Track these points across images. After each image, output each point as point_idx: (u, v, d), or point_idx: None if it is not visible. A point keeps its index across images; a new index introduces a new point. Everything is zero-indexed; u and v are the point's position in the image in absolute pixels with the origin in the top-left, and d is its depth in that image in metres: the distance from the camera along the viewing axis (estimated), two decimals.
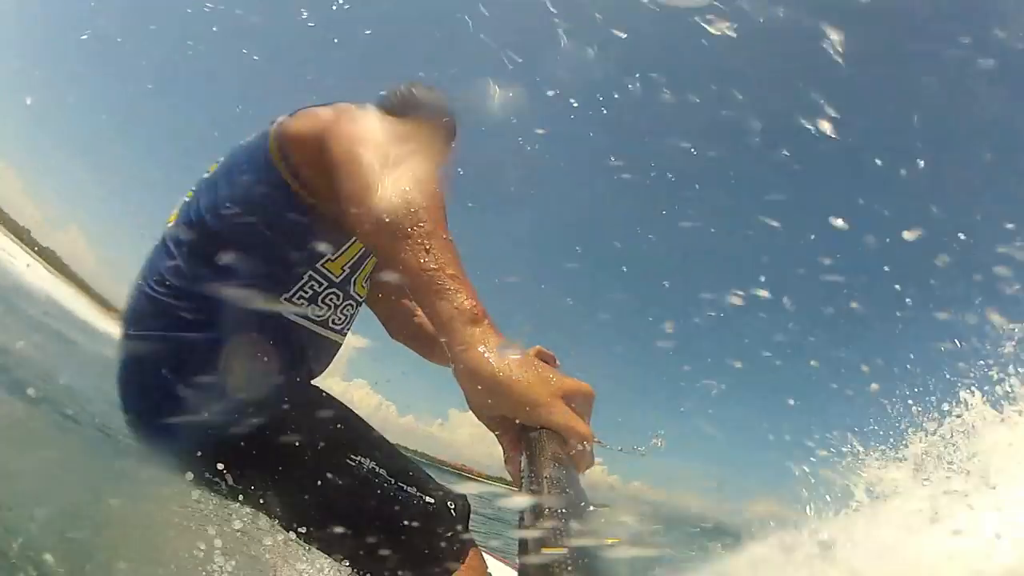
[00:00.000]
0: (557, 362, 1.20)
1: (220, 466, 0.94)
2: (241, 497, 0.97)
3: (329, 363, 1.24)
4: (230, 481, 0.95)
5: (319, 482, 0.90)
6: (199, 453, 0.94)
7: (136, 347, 0.98)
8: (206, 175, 1.10)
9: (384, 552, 0.89)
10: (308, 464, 0.91)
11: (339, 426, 1.01)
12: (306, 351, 1.13)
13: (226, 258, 0.98)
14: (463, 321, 0.58)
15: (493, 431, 0.56)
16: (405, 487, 0.96)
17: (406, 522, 0.91)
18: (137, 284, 1.04)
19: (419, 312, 1.54)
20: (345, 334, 1.23)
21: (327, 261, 1.08)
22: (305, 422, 0.97)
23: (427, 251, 0.64)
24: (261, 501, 0.96)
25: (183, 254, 1.01)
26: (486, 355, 0.54)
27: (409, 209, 0.68)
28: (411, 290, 0.66)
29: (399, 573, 0.90)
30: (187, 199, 1.09)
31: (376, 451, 0.98)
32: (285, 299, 1.06)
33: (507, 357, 0.54)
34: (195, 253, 1.01)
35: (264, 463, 0.93)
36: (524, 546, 0.30)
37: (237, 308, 0.98)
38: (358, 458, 0.95)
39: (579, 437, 0.50)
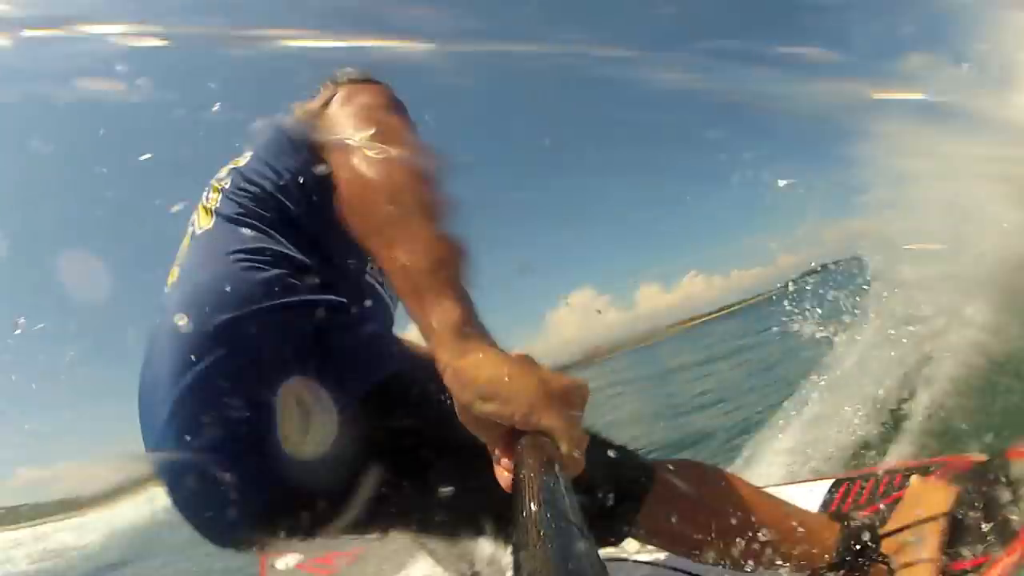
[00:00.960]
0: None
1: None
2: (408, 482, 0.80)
3: None
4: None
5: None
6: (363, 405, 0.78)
7: (270, 318, 0.78)
8: (238, 164, 0.97)
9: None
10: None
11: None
12: (389, 327, 1.03)
13: (311, 229, 0.88)
14: (453, 330, 0.56)
15: (484, 437, 0.55)
16: None
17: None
18: (218, 265, 0.83)
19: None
20: None
21: None
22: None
23: (417, 250, 0.60)
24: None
25: (268, 228, 0.88)
26: (479, 362, 0.53)
27: (398, 200, 0.65)
28: (397, 290, 0.63)
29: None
30: (225, 186, 0.94)
31: None
32: (372, 267, 0.99)
33: (499, 362, 0.53)
34: (280, 228, 0.88)
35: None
36: (515, 552, 0.31)
37: (341, 277, 0.89)
38: None
39: (572, 442, 0.50)
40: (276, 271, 0.83)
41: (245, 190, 0.92)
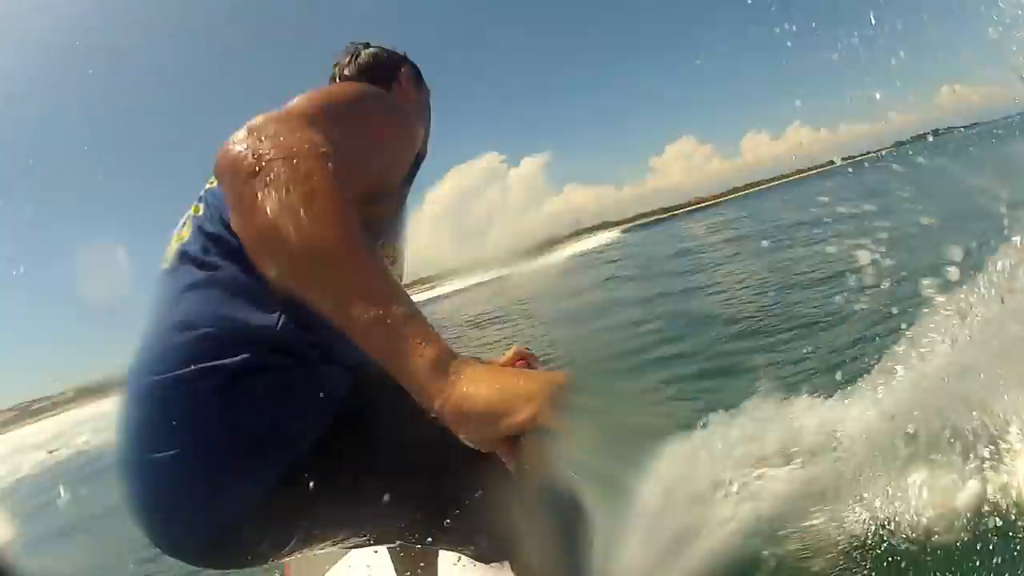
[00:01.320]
0: (538, 359, 1.20)
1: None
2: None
3: None
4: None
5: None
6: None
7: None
8: (196, 214, 0.86)
9: None
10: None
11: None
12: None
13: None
14: (434, 369, 0.53)
15: (493, 449, 0.54)
16: None
17: None
18: (157, 319, 0.78)
19: None
20: None
21: None
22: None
23: (362, 306, 0.53)
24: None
25: (218, 273, 0.79)
26: (471, 386, 0.52)
27: (314, 259, 0.54)
28: (362, 345, 0.54)
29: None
30: (199, 212, 0.85)
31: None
32: None
33: (488, 379, 0.53)
34: (245, 268, 0.77)
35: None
36: (521, 546, 0.32)
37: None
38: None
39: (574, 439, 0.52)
40: (203, 331, 0.75)
41: (210, 219, 0.83)
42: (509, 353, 1.20)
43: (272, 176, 0.55)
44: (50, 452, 18.41)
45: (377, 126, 0.78)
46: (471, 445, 0.54)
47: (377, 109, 0.81)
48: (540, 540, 0.32)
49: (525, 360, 1.19)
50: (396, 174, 0.86)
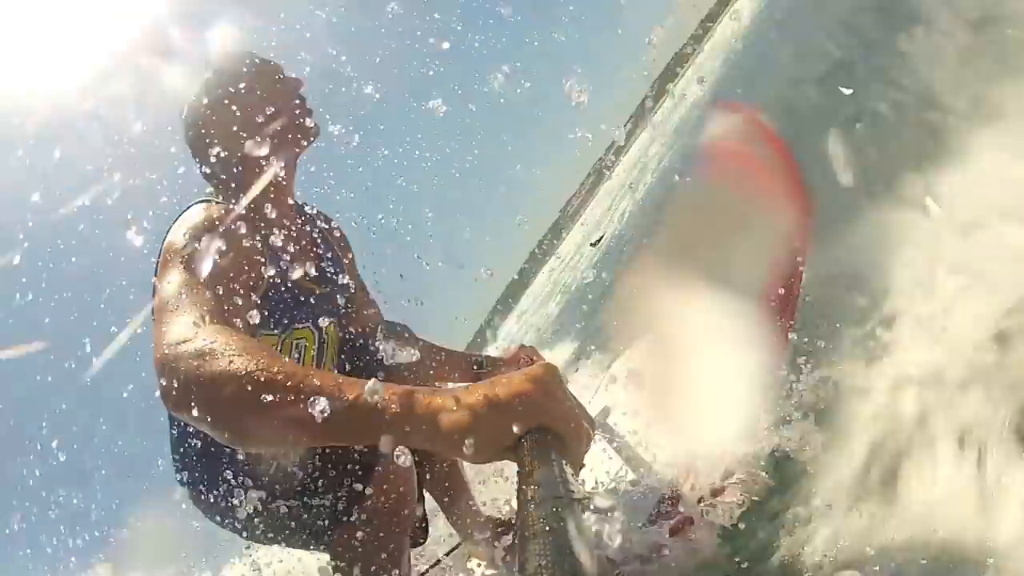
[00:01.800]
0: (539, 353, 1.27)
1: None
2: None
3: None
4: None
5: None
6: None
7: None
8: None
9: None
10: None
11: None
12: None
13: None
14: (409, 417, 0.50)
15: (500, 459, 0.52)
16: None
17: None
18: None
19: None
20: None
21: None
22: None
23: (312, 405, 0.51)
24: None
25: None
26: (449, 415, 0.50)
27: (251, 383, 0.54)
28: (331, 441, 0.59)
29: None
30: None
31: None
32: None
33: (463, 403, 0.50)
34: None
35: None
36: (521, 543, 0.31)
37: None
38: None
39: (570, 430, 0.50)
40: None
41: None
42: (512, 350, 1.26)
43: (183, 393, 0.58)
44: None
45: (187, 282, 0.78)
46: (476, 462, 0.53)
47: (175, 278, 0.79)
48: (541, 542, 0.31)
49: (529, 357, 1.22)
50: (244, 276, 0.89)
